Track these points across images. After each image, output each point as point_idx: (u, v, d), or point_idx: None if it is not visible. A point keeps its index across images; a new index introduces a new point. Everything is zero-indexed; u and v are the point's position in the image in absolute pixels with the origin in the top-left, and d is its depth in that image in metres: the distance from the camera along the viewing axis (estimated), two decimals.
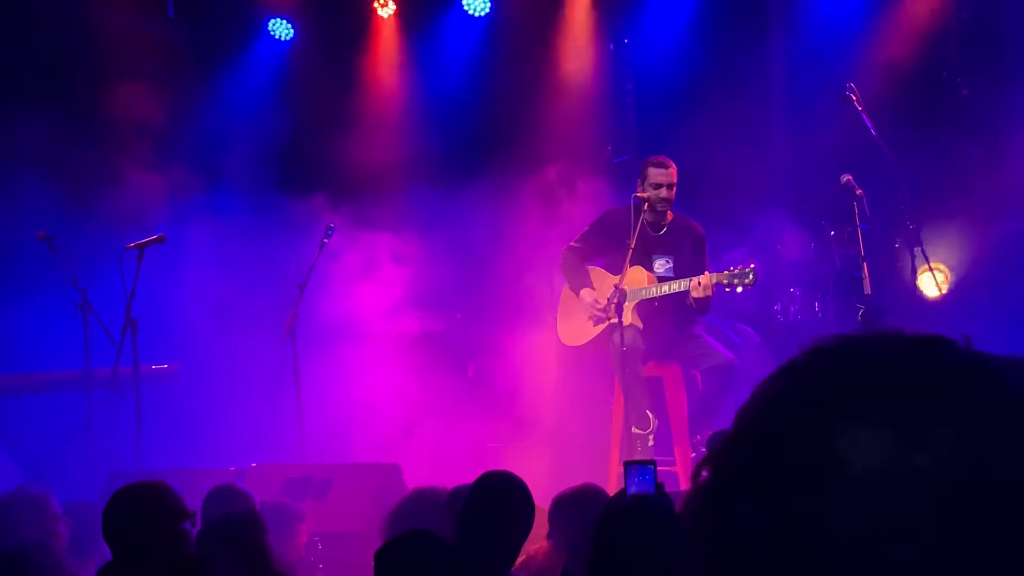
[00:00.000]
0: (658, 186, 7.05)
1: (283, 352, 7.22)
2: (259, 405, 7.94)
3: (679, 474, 7.03)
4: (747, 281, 6.74)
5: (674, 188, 7.08)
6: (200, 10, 9.44)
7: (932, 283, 7.94)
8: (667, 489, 3.84)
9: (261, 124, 9.25)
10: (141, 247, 7.11)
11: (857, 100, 7.19)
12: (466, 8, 9.41)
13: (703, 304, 6.87)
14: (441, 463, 7.29)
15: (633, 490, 3.92)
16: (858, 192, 6.59)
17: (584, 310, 7.20)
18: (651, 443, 7.05)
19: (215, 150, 9.20)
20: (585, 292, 7.18)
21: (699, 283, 6.78)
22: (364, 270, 8.51)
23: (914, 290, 8.03)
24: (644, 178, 7.10)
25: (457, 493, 4.77)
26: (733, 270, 6.78)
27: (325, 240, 7.50)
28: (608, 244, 7.20)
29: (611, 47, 9.39)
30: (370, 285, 8.46)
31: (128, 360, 7.16)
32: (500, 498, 4.22)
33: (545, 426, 7.77)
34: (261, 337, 7.92)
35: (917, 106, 8.52)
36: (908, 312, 8.04)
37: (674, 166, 7.10)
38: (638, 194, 7.00)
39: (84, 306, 7.38)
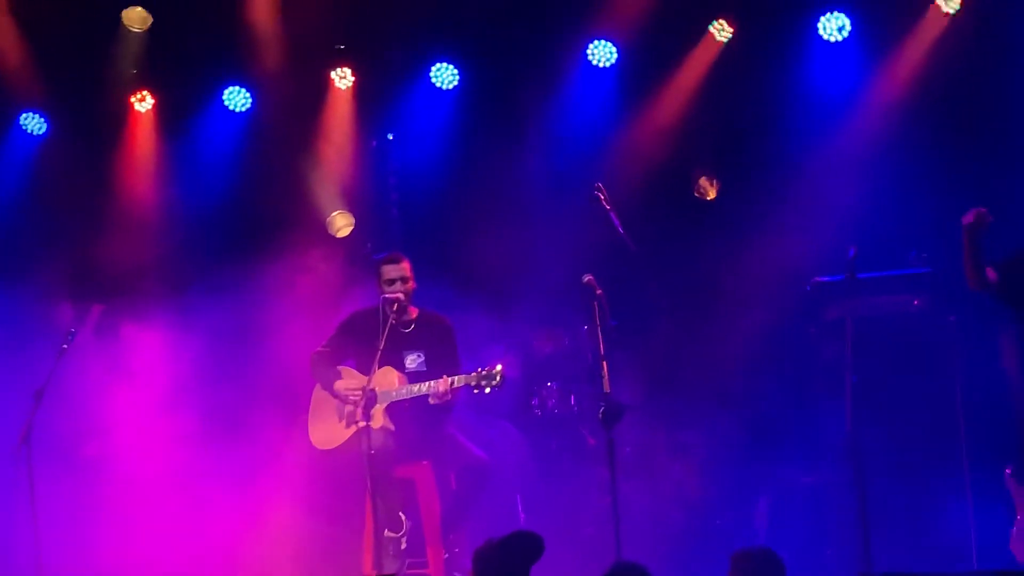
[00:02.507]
0: (391, 282, 7.11)
1: (16, 464, 6.87)
2: None
3: None
4: (495, 383, 6.81)
5: (409, 282, 7.14)
6: None
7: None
8: None
9: (6, 222, 8.94)
10: None
11: (605, 199, 7.39)
12: (226, 103, 9.32)
13: (446, 406, 6.90)
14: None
15: None
16: (598, 292, 6.73)
17: (336, 409, 7.14)
18: (404, 546, 7.02)
19: None
20: (338, 384, 7.12)
21: (438, 390, 6.82)
22: (110, 374, 8.26)
23: (666, 382, 8.27)
24: (379, 276, 7.16)
25: None
26: (481, 371, 6.84)
27: (65, 346, 7.23)
28: (357, 345, 7.18)
29: (374, 143, 9.42)
30: (118, 389, 8.20)
31: None
32: None
33: (297, 533, 7.62)
34: None
35: (666, 203, 8.83)
36: (662, 403, 8.27)
37: (406, 260, 7.18)
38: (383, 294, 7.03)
39: None
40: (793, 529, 7.52)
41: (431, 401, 6.88)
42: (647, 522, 7.79)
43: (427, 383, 6.94)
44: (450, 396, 6.87)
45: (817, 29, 8.73)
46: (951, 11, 8.48)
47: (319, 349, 7.29)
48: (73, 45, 8.98)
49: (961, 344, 7.53)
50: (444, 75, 9.23)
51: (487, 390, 6.83)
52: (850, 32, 8.71)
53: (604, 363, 6.57)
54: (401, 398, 6.98)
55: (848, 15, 8.70)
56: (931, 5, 8.51)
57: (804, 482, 7.89)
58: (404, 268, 7.15)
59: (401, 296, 7.08)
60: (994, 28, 8.37)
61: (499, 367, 6.83)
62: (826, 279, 7.71)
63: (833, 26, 8.73)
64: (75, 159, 9.20)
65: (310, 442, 7.31)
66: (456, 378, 6.88)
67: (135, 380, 8.44)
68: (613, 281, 7.04)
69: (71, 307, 8.63)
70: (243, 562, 7.71)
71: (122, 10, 8.94)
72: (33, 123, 9.35)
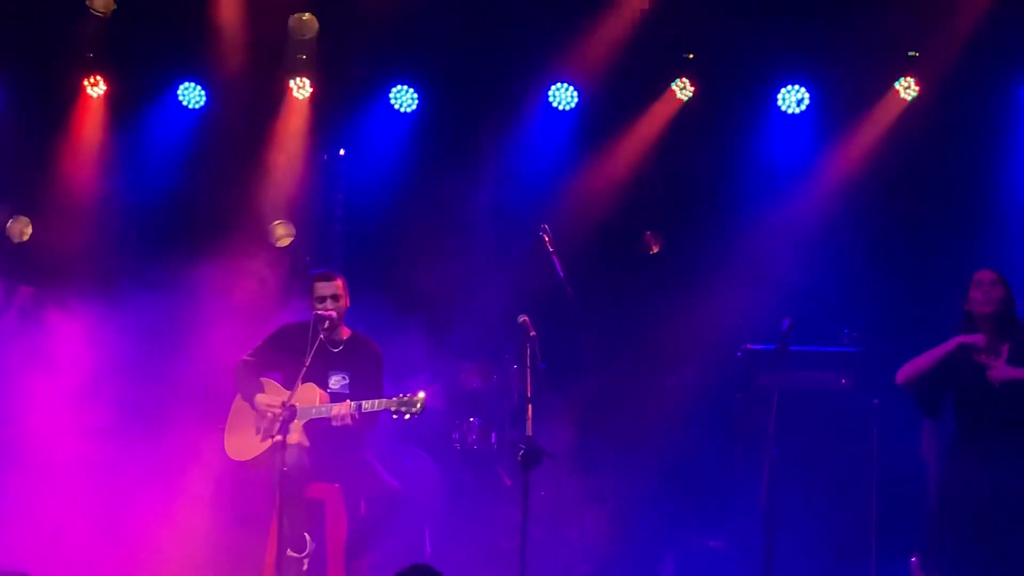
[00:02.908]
0: (322, 299, 7.04)
1: None
2: None
3: None
4: (415, 409, 6.75)
5: (341, 300, 7.06)
6: None
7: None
8: None
9: None
10: None
11: (549, 241, 7.39)
12: (180, 99, 9.21)
13: (353, 429, 6.82)
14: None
15: None
16: (532, 334, 6.70)
17: (255, 421, 7.03)
18: (306, 567, 6.90)
19: None
20: (259, 397, 7.02)
21: (338, 412, 6.76)
22: (29, 359, 8.09)
23: (587, 429, 8.25)
24: (311, 292, 7.08)
25: None
26: (402, 397, 6.78)
27: None
28: (283, 359, 7.08)
29: (325, 157, 9.35)
30: (35, 375, 8.03)
31: None
32: None
33: (199, 542, 7.48)
34: None
35: (610, 253, 8.84)
36: (581, 450, 8.25)
37: (340, 278, 7.10)
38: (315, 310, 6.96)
39: None
40: None
41: (333, 423, 6.80)
42: (553, 568, 7.74)
43: (333, 405, 6.86)
44: (350, 421, 6.78)
45: (776, 100, 8.83)
46: (909, 97, 8.62)
47: (245, 358, 7.17)
48: (32, 21, 8.82)
49: (881, 428, 7.58)
50: (404, 97, 9.20)
51: (407, 416, 6.75)
52: (808, 106, 8.82)
53: (530, 405, 6.53)
54: (320, 416, 6.89)
55: (808, 89, 8.80)
56: (891, 89, 8.64)
57: (712, 546, 7.88)
58: (337, 286, 7.08)
59: (334, 314, 7.00)
60: (950, 118, 8.51)
61: (421, 394, 6.77)
62: (758, 347, 7.75)
63: (792, 98, 8.83)
64: (20, 135, 9.04)
65: (224, 451, 7.18)
66: (376, 401, 6.81)
67: (54, 367, 8.26)
68: (549, 324, 7.02)
69: (1, 283, 8.44)
70: (146, 562, 7.55)
71: None
72: None
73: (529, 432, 6.50)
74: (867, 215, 8.57)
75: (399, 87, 9.17)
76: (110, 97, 9.20)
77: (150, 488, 7.93)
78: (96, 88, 9.20)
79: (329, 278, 7.11)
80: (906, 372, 6.28)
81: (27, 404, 8.13)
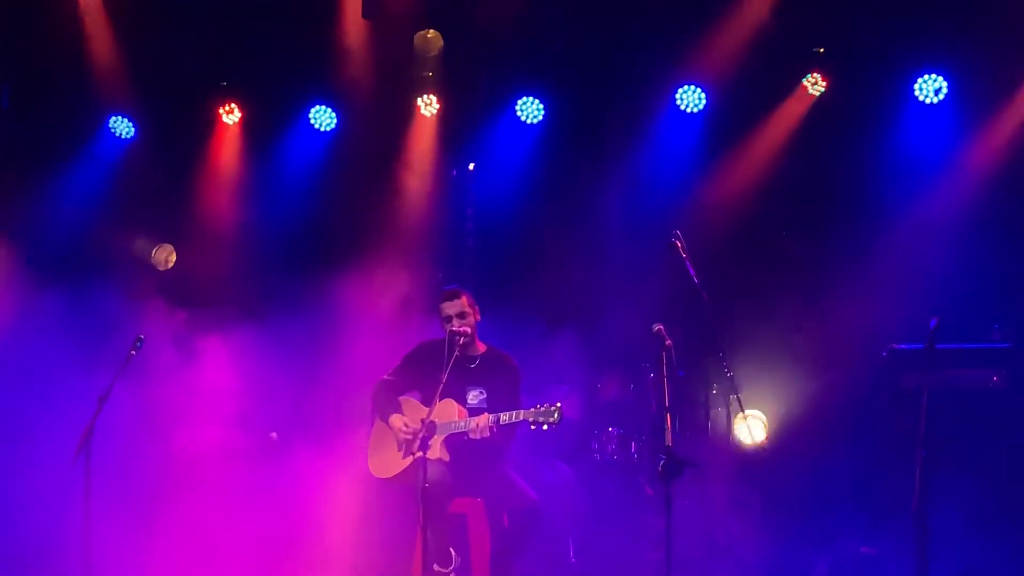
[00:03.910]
0: (448, 319, 7.06)
1: (73, 470, 6.89)
2: (41, 525, 7.62)
3: None
4: (552, 419, 6.72)
5: (468, 316, 7.06)
6: (38, 102, 9.22)
7: (747, 431, 8.03)
8: None
9: (92, 223, 9.05)
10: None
11: (682, 247, 7.27)
12: (312, 122, 9.37)
13: (492, 442, 6.82)
14: None
15: None
16: (667, 343, 6.60)
17: (394, 438, 7.08)
18: None
19: (41, 246, 8.94)
20: (394, 418, 7.08)
21: (476, 424, 6.75)
22: (179, 382, 8.31)
23: (728, 438, 8.12)
24: (439, 312, 7.10)
25: None
26: (539, 408, 6.76)
27: (133, 352, 7.24)
28: (421, 377, 7.13)
29: (454, 172, 9.40)
30: (185, 396, 8.25)
31: None
32: None
33: (346, 558, 7.57)
34: (51, 451, 7.62)
35: (742, 257, 8.68)
36: (722, 459, 8.12)
37: (465, 295, 7.10)
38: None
39: None
40: None
41: (472, 437, 6.81)
42: None
43: (472, 419, 6.87)
44: (488, 434, 6.78)
45: (913, 90, 8.57)
46: None
47: (384, 377, 7.25)
48: (166, 54, 9.07)
49: None
50: (530, 109, 9.20)
51: (544, 427, 6.73)
52: (947, 95, 8.54)
53: (668, 415, 6.44)
54: (459, 430, 6.92)
55: (946, 78, 8.52)
56: None
57: (864, 552, 7.66)
58: (462, 303, 7.09)
59: (468, 330, 7.03)
60: None
61: (558, 404, 6.75)
62: (904, 347, 7.52)
63: (930, 88, 8.57)
64: (158, 164, 9.30)
65: (367, 468, 7.26)
66: (514, 413, 6.80)
67: (207, 390, 8.47)
68: (685, 331, 6.93)
69: (163, 305, 8.68)
70: None
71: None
72: (122, 127, 9.47)
73: (668, 442, 6.41)
74: (1012, 205, 8.25)
75: (524, 99, 9.18)
76: (244, 123, 9.41)
77: (297, 507, 8.05)
78: (231, 116, 9.42)
79: (454, 296, 7.12)
80: None
81: (181, 425, 8.35)
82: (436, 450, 6.86)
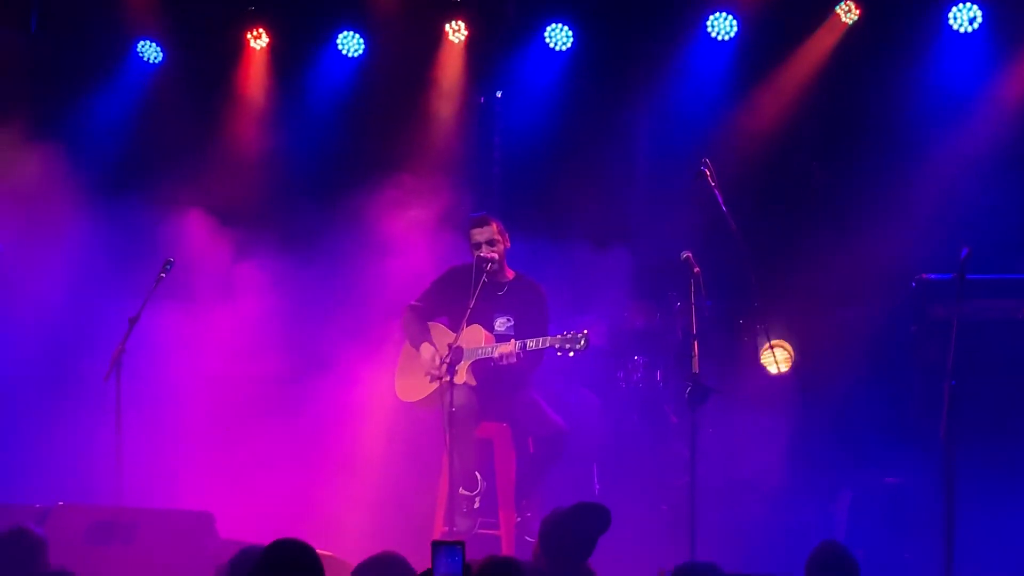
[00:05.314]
0: (477, 245, 7.08)
1: (106, 388, 6.98)
2: (77, 441, 7.72)
3: (502, 538, 6.96)
4: (579, 346, 6.75)
5: (498, 244, 7.08)
6: (66, 26, 9.18)
7: (773, 360, 8.03)
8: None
9: (123, 146, 9.05)
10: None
11: (711, 176, 7.23)
12: (340, 48, 9.31)
13: (518, 368, 6.84)
14: (263, 513, 7.15)
15: (440, 572, 3.89)
16: (696, 270, 6.60)
17: (423, 366, 7.12)
18: (477, 504, 7.01)
19: (78, 169, 8.96)
20: (425, 347, 7.13)
21: (503, 350, 6.79)
22: (209, 304, 8.36)
23: (756, 366, 8.12)
24: (469, 238, 7.12)
25: (247, 555, 4.67)
26: (566, 335, 6.79)
27: (162, 275, 7.29)
28: (450, 302, 7.16)
29: (482, 99, 9.35)
30: (210, 323, 8.30)
31: None
32: (288, 568, 4.16)
33: (373, 481, 7.66)
34: (86, 368, 7.71)
35: (772, 187, 8.63)
36: (750, 387, 8.13)
37: (495, 222, 7.12)
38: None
39: None
40: (873, 529, 7.34)
41: (499, 362, 6.84)
42: (723, 506, 7.66)
43: (498, 345, 6.90)
44: (515, 360, 6.81)
45: (948, 19, 8.45)
46: None
47: (413, 303, 7.29)
48: None
49: None
50: (558, 36, 9.11)
51: (571, 353, 6.77)
52: (981, 24, 8.42)
53: (695, 342, 6.45)
54: (486, 356, 6.95)
55: (980, 7, 8.39)
56: None
57: (890, 482, 7.68)
58: (492, 230, 7.10)
59: (495, 256, 7.04)
60: None
61: (584, 331, 6.77)
62: (934, 277, 7.48)
63: (964, 17, 8.45)
64: (185, 90, 9.27)
65: (395, 393, 7.32)
66: (540, 339, 6.83)
67: (236, 315, 8.52)
68: (712, 260, 6.92)
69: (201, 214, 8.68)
70: (316, 501, 7.76)
71: None
72: (150, 51, 9.43)
73: (695, 369, 6.44)
74: None
75: (554, 25, 9.08)
76: (272, 49, 9.36)
77: (325, 431, 8.13)
78: (259, 40, 9.36)
79: (483, 223, 7.13)
80: None
81: (208, 351, 8.42)
82: (463, 375, 6.90)
